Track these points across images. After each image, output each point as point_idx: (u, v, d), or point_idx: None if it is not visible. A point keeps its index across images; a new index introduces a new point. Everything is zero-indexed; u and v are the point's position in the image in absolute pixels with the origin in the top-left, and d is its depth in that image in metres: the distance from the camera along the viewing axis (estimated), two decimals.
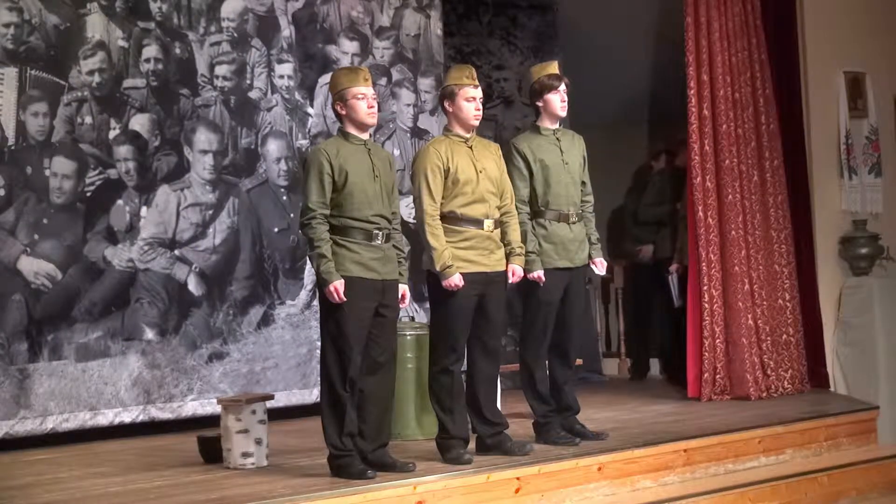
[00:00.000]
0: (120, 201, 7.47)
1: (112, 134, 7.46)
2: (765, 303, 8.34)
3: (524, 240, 6.22)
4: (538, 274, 6.27)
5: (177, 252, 7.66)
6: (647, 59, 10.16)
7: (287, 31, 8.24)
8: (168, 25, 7.73)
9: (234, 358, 7.82)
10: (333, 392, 5.56)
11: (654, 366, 9.87)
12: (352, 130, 5.70)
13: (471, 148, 6.03)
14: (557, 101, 6.42)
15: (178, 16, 7.78)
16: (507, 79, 10.17)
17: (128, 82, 7.55)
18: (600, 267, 6.56)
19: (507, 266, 6.08)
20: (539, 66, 6.66)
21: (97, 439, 7.22)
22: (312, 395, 7.97)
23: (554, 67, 6.51)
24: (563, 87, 6.43)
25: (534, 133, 6.51)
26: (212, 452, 6.22)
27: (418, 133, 8.78)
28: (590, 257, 6.53)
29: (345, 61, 8.33)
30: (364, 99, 5.65)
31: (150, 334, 7.50)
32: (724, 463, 6.68)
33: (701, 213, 8.22)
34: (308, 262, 7.82)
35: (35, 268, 7.10)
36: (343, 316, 5.53)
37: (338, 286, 5.49)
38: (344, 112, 5.68)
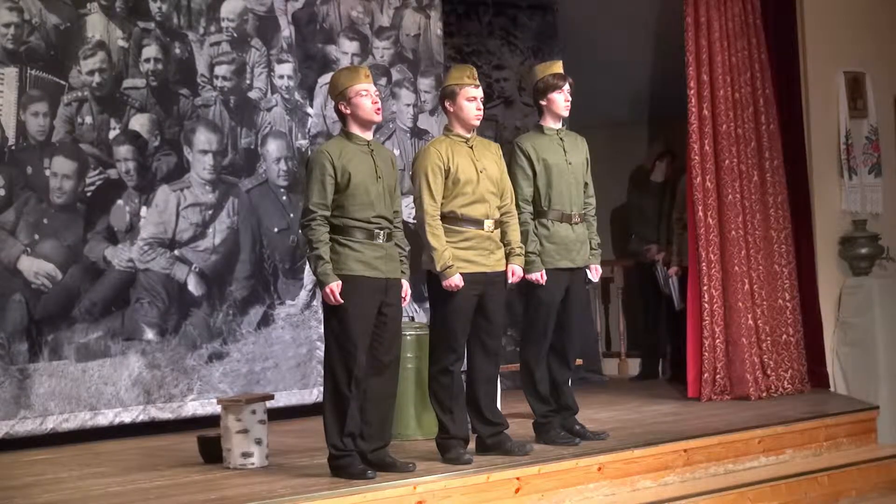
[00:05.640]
0: (120, 201, 7.47)
1: (112, 134, 7.46)
2: (765, 303, 8.34)
3: (525, 240, 6.22)
4: (536, 276, 6.27)
5: (177, 252, 7.66)
6: (647, 59, 10.16)
7: (287, 31, 8.24)
8: (168, 25, 7.73)
9: (234, 358, 7.81)
10: (337, 392, 5.56)
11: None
12: (355, 130, 5.69)
13: (471, 148, 6.03)
14: (561, 100, 6.43)
15: (178, 16, 7.77)
16: (507, 79, 10.16)
17: (128, 82, 7.55)
18: (595, 274, 6.57)
19: (506, 266, 6.09)
20: (543, 65, 6.65)
21: (97, 439, 7.21)
22: (312, 395, 7.98)
23: (558, 67, 6.51)
24: (566, 86, 6.43)
25: (537, 133, 6.51)
26: (212, 452, 6.22)
27: (418, 133, 8.78)
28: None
29: (345, 61, 8.33)
30: (367, 95, 5.65)
31: (150, 334, 7.50)
32: (724, 463, 6.68)
33: (701, 213, 8.22)
34: (308, 262, 7.82)
35: (35, 268, 7.10)
36: (347, 315, 5.53)
37: (334, 288, 5.49)
38: (348, 111, 5.67)
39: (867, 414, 7.67)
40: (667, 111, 9.53)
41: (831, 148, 9.12)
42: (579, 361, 7.16)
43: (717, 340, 8.18)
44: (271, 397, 6.37)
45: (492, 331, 6.05)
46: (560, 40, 10.25)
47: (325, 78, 7.97)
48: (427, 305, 7.13)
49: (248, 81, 8.05)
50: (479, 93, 6.02)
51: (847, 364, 8.92)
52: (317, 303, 7.87)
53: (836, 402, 8.16)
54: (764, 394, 8.18)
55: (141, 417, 7.44)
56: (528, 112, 9.68)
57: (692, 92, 8.24)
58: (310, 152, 7.59)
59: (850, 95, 9.18)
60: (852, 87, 9.21)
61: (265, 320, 7.97)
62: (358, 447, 5.62)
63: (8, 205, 7.03)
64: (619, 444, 6.38)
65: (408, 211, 7.74)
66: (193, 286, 7.71)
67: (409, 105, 8.78)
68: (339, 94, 5.69)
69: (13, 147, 7.07)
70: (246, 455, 6.01)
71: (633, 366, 10.16)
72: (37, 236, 7.12)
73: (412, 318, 8.12)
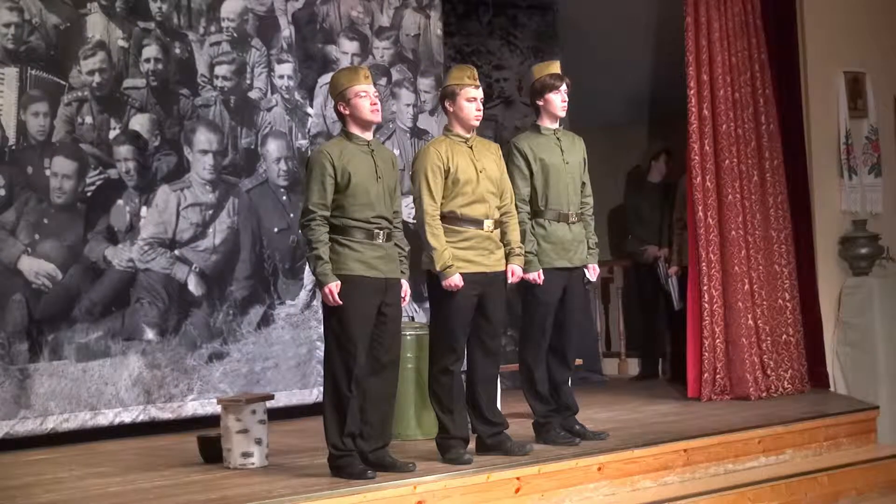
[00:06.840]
0: (120, 201, 7.47)
1: (112, 134, 7.46)
2: (765, 303, 8.34)
3: (523, 240, 6.22)
4: (533, 276, 6.27)
5: (177, 252, 7.66)
6: (647, 59, 10.16)
7: (287, 31, 8.24)
8: (168, 25, 7.73)
9: (234, 358, 7.81)
10: (338, 392, 5.56)
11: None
12: (355, 130, 5.70)
13: (471, 148, 6.03)
14: (558, 100, 6.43)
15: (178, 16, 7.78)
16: (507, 79, 10.16)
17: (128, 82, 7.55)
18: (593, 273, 6.57)
19: (506, 266, 6.09)
20: (540, 65, 6.66)
21: (97, 439, 7.22)
22: (312, 395, 7.98)
23: (556, 67, 6.51)
24: (564, 86, 6.44)
25: (534, 132, 6.52)
26: (212, 452, 6.22)
27: (418, 133, 8.78)
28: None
29: (345, 61, 8.33)
30: (366, 96, 5.66)
31: (150, 334, 7.50)
32: (724, 463, 6.68)
33: (701, 213, 8.22)
34: (307, 262, 7.83)
35: (35, 268, 7.10)
36: (346, 315, 5.53)
37: (333, 288, 5.49)
38: (347, 112, 5.68)
39: (867, 414, 7.67)
40: (666, 111, 9.52)
41: (831, 148, 9.12)
42: (579, 361, 7.16)
43: (717, 340, 8.18)
44: (271, 397, 6.37)
45: (492, 331, 6.06)
46: (560, 40, 10.25)
47: (325, 78, 7.97)
48: (427, 305, 7.13)
49: (248, 81, 8.05)
50: (479, 93, 6.03)
51: (847, 364, 8.92)
52: (317, 303, 7.87)
53: (836, 402, 8.15)
54: (764, 394, 8.18)
55: (141, 417, 7.44)
56: (527, 112, 9.66)
57: (692, 92, 8.24)
58: (310, 152, 7.58)
59: (850, 95, 9.19)
60: (852, 87, 9.21)
61: (265, 320, 7.97)
62: (358, 447, 5.62)
63: (8, 205, 7.04)
64: (619, 444, 6.38)
65: (408, 211, 7.75)
66: (193, 286, 7.71)
67: (409, 105, 8.78)
68: (338, 95, 5.70)
69: (13, 147, 7.07)
70: (246, 455, 6.02)
71: (633, 366, 10.16)
72: (37, 236, 7.12)
73: (412, 318, 8.13)
